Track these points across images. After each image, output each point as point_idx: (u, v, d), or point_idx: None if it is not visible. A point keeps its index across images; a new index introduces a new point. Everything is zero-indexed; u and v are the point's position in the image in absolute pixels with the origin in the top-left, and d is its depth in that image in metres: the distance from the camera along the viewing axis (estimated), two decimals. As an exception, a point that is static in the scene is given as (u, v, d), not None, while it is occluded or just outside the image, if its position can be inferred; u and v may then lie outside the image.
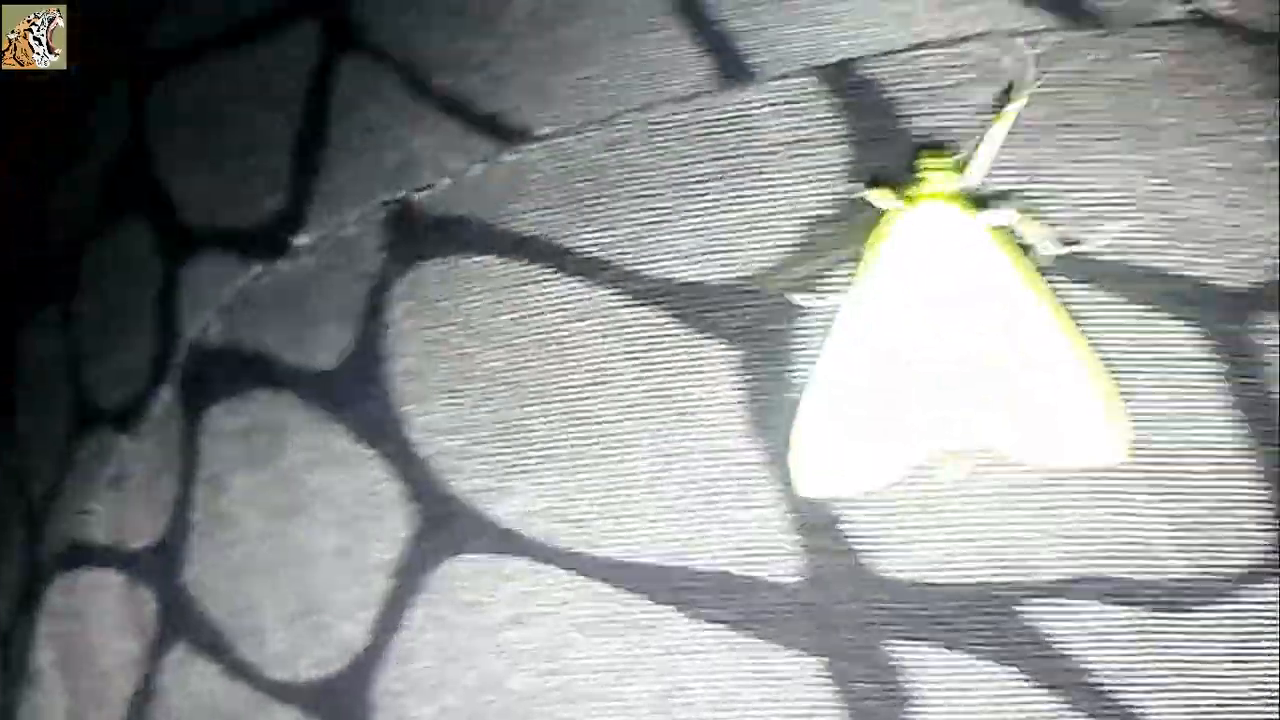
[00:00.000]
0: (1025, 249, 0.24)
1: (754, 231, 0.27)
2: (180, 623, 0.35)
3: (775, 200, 0.27)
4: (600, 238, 0.28)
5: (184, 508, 0.35)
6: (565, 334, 0.28)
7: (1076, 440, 0.23)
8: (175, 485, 0.36)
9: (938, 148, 0.24)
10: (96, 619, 0.37)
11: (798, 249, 0.26)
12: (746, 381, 0.26)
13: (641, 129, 0.28)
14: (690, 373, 0.27)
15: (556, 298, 0.28)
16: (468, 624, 0.29)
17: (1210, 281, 0.25)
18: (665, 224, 0.27)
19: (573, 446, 0.28)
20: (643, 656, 0.27)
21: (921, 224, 0.23)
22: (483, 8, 0.30)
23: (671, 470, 0.27)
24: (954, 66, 0.26)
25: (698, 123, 0.27)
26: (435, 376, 0.30)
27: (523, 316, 0.29)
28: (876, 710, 0.25)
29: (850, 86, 0.26)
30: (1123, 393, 0.24)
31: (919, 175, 0.24)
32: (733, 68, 0.27)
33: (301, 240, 0.32)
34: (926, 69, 0.26)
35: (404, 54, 0.31)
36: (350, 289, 0.31)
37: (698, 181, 0.27)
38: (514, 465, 0.29)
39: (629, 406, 0.27)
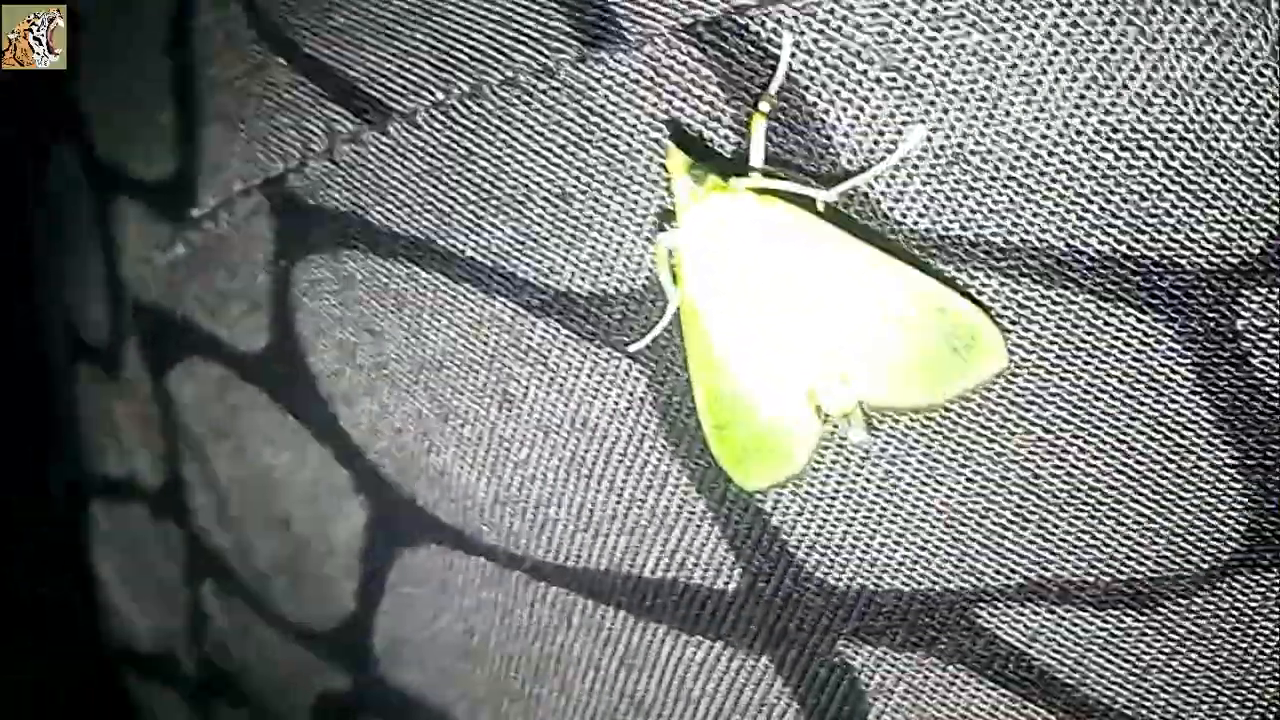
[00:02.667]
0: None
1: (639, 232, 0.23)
2: (203, 561, 0.37)
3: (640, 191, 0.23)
4: (483, 241, 0.24)
5: (174, 461, 0.36)
6: (466, 348, 0.25)
7: (955, 359, 0.21)
8: (160, 440, 0.36)
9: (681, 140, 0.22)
10: (139, 545, 0.40)
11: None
12: (657, 396, 0.24)
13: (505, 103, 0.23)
14: (600, 391, 0.24)
15: (450, 308, 0.25)
16: (433, 604, 0.29)
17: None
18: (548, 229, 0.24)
19: (494, 456, 0.26)
20: (594, 653, 0.27)
21: (712, 215, 0.22)
22: None
23: (593, 488, 0.25)
24: None
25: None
26: (353, 377, 0.28)
27: (421, 327, 0.26)
28: (829, 708, 0.25)
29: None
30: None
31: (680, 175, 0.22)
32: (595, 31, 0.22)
33: (196, 213, 0.30)
34: None
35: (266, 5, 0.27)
36: (254, 275, 0.29)
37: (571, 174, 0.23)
38: (444, 468, 0.27)
39: (539, 427, 0.25)
